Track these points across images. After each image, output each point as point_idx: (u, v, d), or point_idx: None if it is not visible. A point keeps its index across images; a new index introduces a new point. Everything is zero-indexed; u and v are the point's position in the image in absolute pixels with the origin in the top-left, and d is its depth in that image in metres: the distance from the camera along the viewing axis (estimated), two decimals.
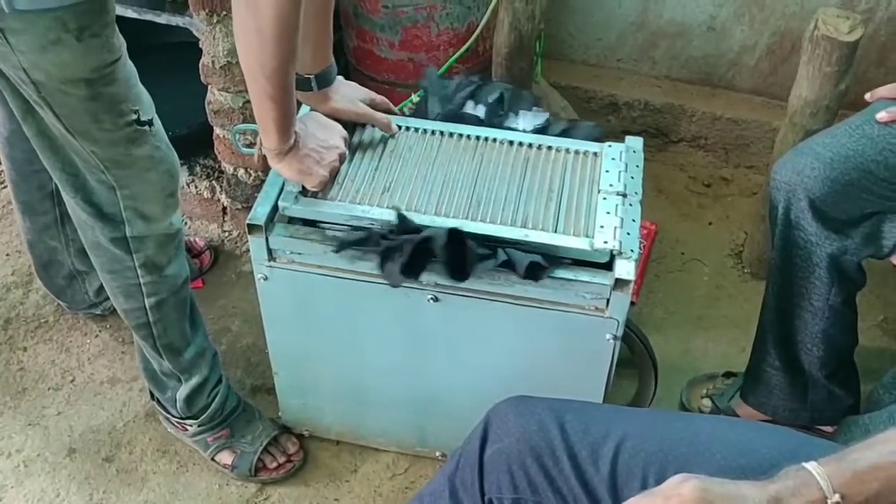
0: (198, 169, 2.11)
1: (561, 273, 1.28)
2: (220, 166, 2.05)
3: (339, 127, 1.39)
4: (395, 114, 1.49)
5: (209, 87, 1.83)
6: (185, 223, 2.13)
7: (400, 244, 1.26)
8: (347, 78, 1.48)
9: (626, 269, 1.25)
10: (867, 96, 1.45)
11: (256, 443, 1.64)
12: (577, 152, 1.43)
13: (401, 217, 1.27)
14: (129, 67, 1.25)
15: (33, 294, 1.97)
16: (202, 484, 1.66)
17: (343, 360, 1.51)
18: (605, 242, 1.27)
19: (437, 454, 1.66)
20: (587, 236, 1.28)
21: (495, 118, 1.48)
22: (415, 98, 1.57)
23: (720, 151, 2.31)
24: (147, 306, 1.46)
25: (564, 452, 0.99)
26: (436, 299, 1.34)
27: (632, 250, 1.27)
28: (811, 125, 1.72)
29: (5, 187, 1.77)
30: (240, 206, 2.05)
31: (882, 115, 1.38)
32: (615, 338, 1.32)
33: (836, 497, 0.77)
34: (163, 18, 1.78)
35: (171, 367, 1.55)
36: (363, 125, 1.46)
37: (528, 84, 1.90)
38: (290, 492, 1.64)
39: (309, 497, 1.64)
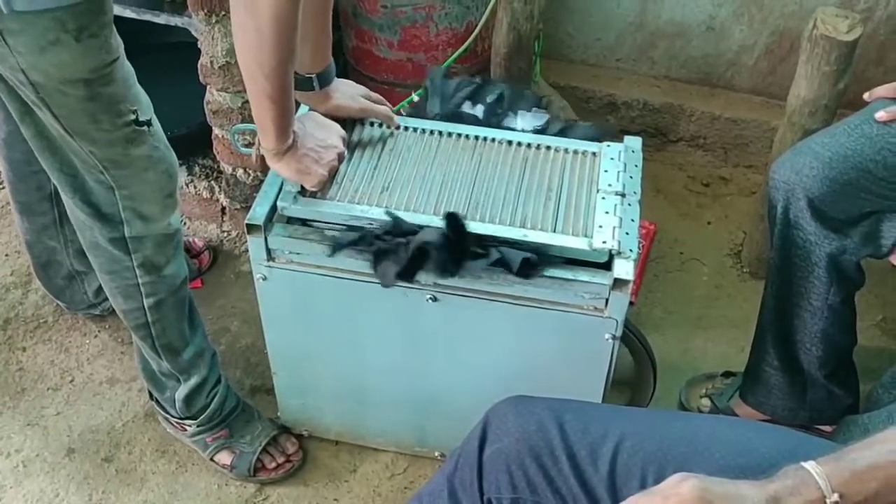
0: (197, 169, 2.11)
1: (560, 273, 1.28)
2: (218, 166, 2.05)
3: (337, 126, 1.39)
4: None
5: (208, 87, 1.83)
6: (184, 223, 2.13)
7: (395, 247, 1.26)
8: (346, 78, 1.48)
9: (624, 268, 1.25)
10: (866, 96, 1.45)
11: (255, 443, 1.64)
12: (575, 152, 1.43)
13: (395, 219, 1.27)
14: (126, 68, 1.25)
15: (32, 294, 1.97)
16: (201, 484, 1.66)
17: (342, 360, 1.51)
18: (604, 242, 1.27)
19: (436, 454, 1.66)
20: (586, 236, 1.28)
21: (493, 118, 1.48)
22: (415, 97, 1.57)
23: (719, 151, 2.31)
24: (146, 306, 1.46)
25: (563, 452, 0.99)
26: (435, 299, 1.34)
27: (630, 250, 1.27)
28: (810, 125, 1.72)
29: (3, 188, 1.77)
30: (239, 206, 2.05)
31: (881, 115, 1.38)
32: (614, 337, 1.32)
33: (835, 496, 0.77)
34: (161, 18, 1.78)
35: (170, 368, 1.55)
36: (362, 125, 1.46)
37: (527, 84, 1.90)
38: (289, 492, 1.64)
39: (308, 497, 1.64)
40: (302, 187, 1.33)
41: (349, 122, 1.46)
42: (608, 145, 1.43)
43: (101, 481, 1.66)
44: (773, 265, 1.54)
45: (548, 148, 1.43)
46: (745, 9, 2.14)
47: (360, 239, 1.28)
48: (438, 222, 1.26)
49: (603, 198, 1.34)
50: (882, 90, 1.44)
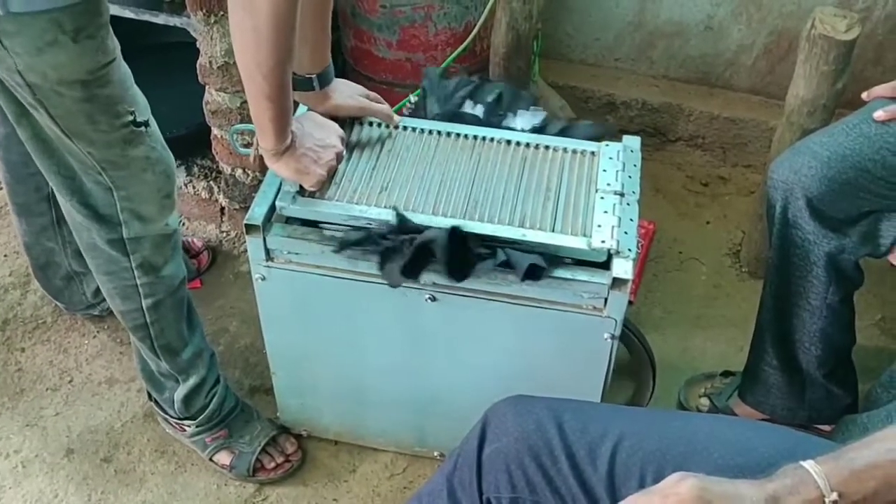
0: (195, 169, 2.11)
1: (559, 272, 1.28)
2: (217, 166, 2.05)
3: (336, 126, 1.39)
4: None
5: (207, 87, 1.83)
6: (183, 223, 2.13)
7: (400, 245, 1.26)
8: (344, 78, 1.48)
9: (623, 268, 1.25)
10: (864, 95, 1.46)
11: (255, 443, 1.64)
12: (574, 152, 1.43)
13: (400, 217, 1.27)
14: (123, 69, 1.25)
15: (31, 295, 1.97)
16: (200, 484, 1.66)
17: (341, 360, 1.51)
18: (603, 242, 1.27)
19: (436, 454, 1.66)
20: (585, 236, 1.28)
21: (494, 118, 1.48)
22: (413, 98, 1.57)
23: (718, 151, 2.31)
24: (144, 307, 1.46)
25: (562, 452, 0.99)
26: (434, 299, 1.34)
27: (629, 249, 1.27)
28: (808, 124, 1.72)
29: (1, 189, 1.77)
30: (237, 207, 2.05)
31: (879, 114, 1.38)
32: (613, 337, 1.32)
33: (834, 496, 0.77)
34: (160, 19, 1.78)
35: (169, 368, 1.55)
36: (360, 125, 1.46)
37: (525, 84, 1.90)
38: (288, 492, 1.64)
39: (307, 497, 1.64)
40: (301, 187, 1.33)
41: (348, 122, 1.46)
42: (607, 145, 1.43)
43: (101, 482, 1.66)
44: (771, 264, 1.54)
45: (546, 147, 1.43)
46: (743, 8, 2.14)
47: (366, 239, 1.28)
48: (437, 222, 1.26)
49: (602, 197, 1.34)
50: (880, 90, 1.44)
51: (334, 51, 1.39)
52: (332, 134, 1.37)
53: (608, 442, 0.99)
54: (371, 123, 1.47)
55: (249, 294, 1.73)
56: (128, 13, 1.76)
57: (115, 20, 1.22)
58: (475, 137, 1.45)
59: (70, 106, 1.19)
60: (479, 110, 1.49)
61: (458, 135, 1.45)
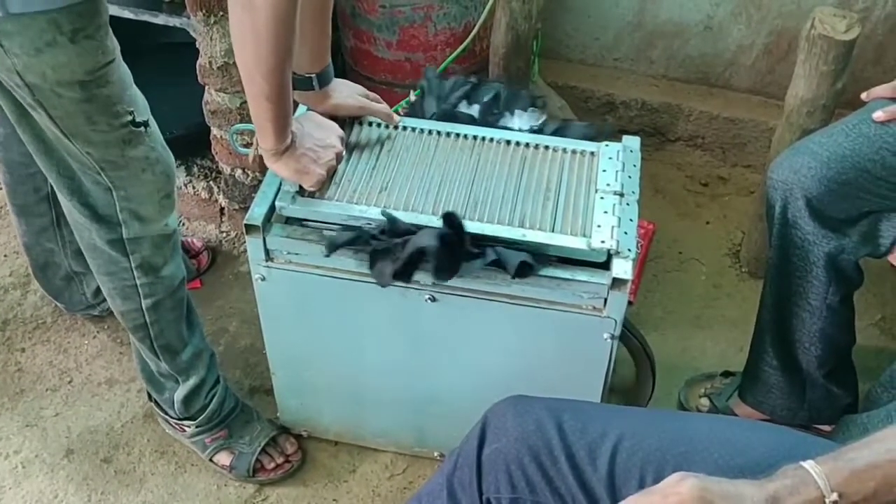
0: (195, 169, 2.11)
1: (558, 272, 1.28)
2: (217, 167, 2.05)
3: (335, 126, 1.39)
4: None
5: (206, 87, 1.83)
6: (183, 224, 2.13)
7: (392, 247, 1.25)
8: (344, 78, 1.48)
9: (623, 268, 1.25)
10: (863, 96, 1.46)
11: (255, 443, 1.64)
12: (574, 152, 1.43)
13: (391, 219, 1.27)
14: (123, 69, 1.25)
15: (31, 295, 1.97)
16: (200, 485, 1.66)
17: (341, 360, 1.51)
18: (603, 242, 1.27)
19: (436, 454, 1.66)
20: (584, 236, 1.28)
21: (490, 117, 1.48)
22: (412, 97, 1.57)
23: (717, 151, 2.31)
24: (144, 307, 1.46)
25: (562, 452, 0.99)
26: (433, 299, 1.34)
27: (629, 249, 1.27)
28: (808, 124, 1.72)
29: (0, 190, 1.77)
30: (237, 207, 2.05)
31: (878, 115, 1.38)
32: (613, 337, 1.32)
33: (834, 496, 0.77)
34: (160, 19, 1.78)
35: (169, 369, 1.55)
36: (360, 125, 1.46)
37: (525, 84, 1.90)
38: (288, 492, 1.64)
39: (307, 497, 1.64)
40: (300, 187, 1.33)
41: (347, 123, 1.46)
42: (607, 145, 1.43)
43: (101, 482, 1.66)
44: (771, 265, 1.54)
45: (546, 147, 1.43)
46: (742, 8, 2.14)
47: (357, 238, 1.28)
48: (437, 222, 1.26)
49: (601, 197, 1.34)
50: (880, 90, 1.44)
51: (334, 51, 1.39)
52: (331, 134, 1.37)
53: (608, 442, 0.99)
54: (371, 124, 1.47)
55: (249, 294, 1.73)
56: (127, 13, 1.76)
57: (115, 20, 1.22)
58: (475, 137, 1.45)
59: (69, 106, 1.19)
60: (474, 110, 1.49)
61: (457, 135, 1.45)
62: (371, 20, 1.96)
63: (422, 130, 1.46)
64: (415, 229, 1.26)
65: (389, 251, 1.26)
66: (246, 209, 1.35)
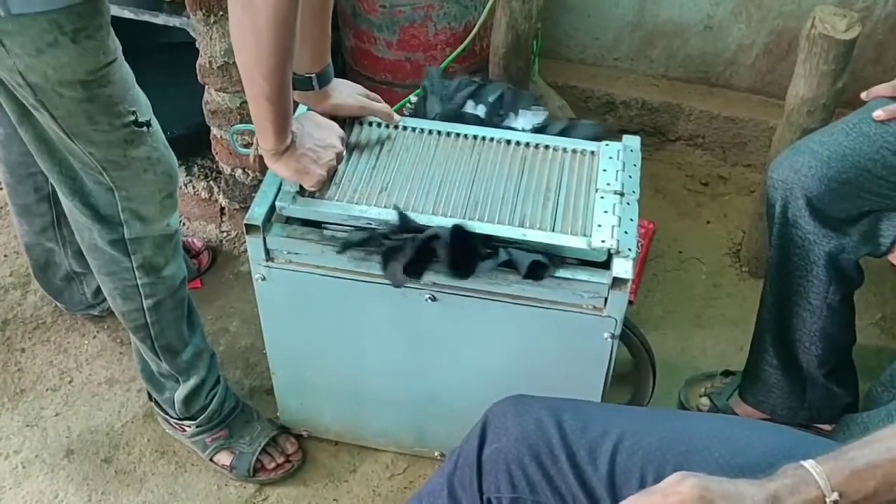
0: (195, 169, 2.11)
1: (559, 272, 1.28)
2: (217, 167, 2.05)
3: (336, 126, 1.39)
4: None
5: (206, 87, 1.83)
6: (183, 223, 2.13)
7: (402, 243, 1.25)
8: (344, 78, 1.48)
9: (623, 267, 1.25)
10: (863, 95, 1.46)
11: (255, 443, 1.64)
12: (574, 151, 1.43)
13: (402, 216, 1.27)
14: (125, 69, 1.25)
15: (31, 295, 1.97)
16: (201, 485, 1.66)
17: (341, 360, 1.51)
18: (603, 241, 1.27)
19: (436, 454, 1.66)
20: (585, 235, 1.28)
21: (495, 118, 1.48)
22: (413, 98, 1.57)
23: (718, 150, 2.31)
24: (145, 308, 1.46)
25: (563, 451, 0.99)
26: (434, 299, 1.34)
27: (629, 249, 1.27)
28: (808, 124, 1.72)
29: (1, 190, 1.77)
30: (237, 207, 2.05)
31: (879, 114, 1.38)
32: (613, 337, 1.32)
33: (835, 495, 0.77)
34: (160, 19, 1.78)
35: (169, 369, 1.55)
36: (360, 125, 1.46)
37: (525, 83, 1.90)
38: (288, 492, 1.64)
39: (308, 497, 1.64)
40: (300, 187, 1.33)
41: (348, 123, 1.46)
42: (607, 144, 1.43)
43: (101, 482, 1.66)
44: (771, 264, 1.54)
45: (546, 147, 1.43)
46: (743, 8, 2.14)
47: (369, 239, 1.28)
48: (438, 222, 1.26)
49: (602, 197, 1.34)
50: (880, 89, 1.44)
51: (334, 51, 1.39)
52: (332, 134, 1.37)
53: (608, 441, 0.99)
54: (371, 124, 1.47)
55: (249, 294, 1.73)
56: (127, 13, 1.76)
57: (115, 20, 1.22)
58: (475, 137, 1.44)
59: (70, 106, 1.19)
60: (480, 110, 1.49)
61: (457, 135, 1.45)
62: (371, 20, 1.97)
63: (422, 130, 1.46)
64: (425, 227, 1.25)
65: (400, 248, 1.26)
66: (246, 209, 1.35)
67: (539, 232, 1.28)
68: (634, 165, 1.41)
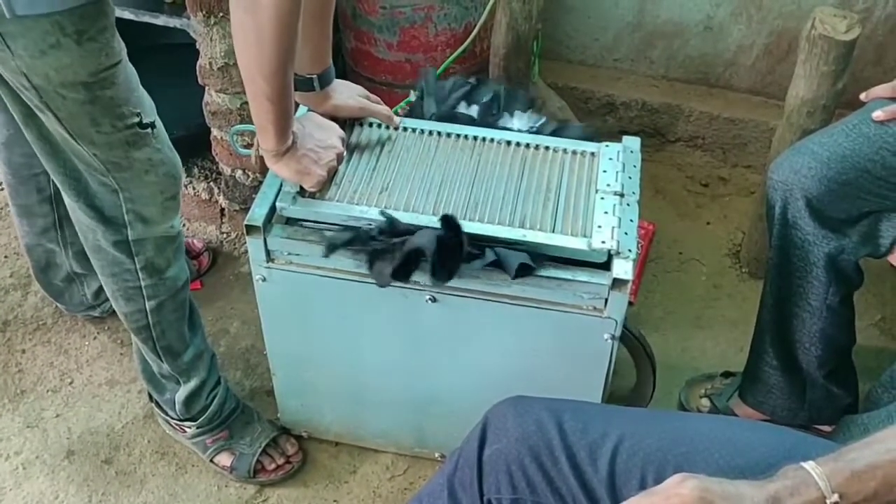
0: (195, 170, 2.11)
1: (559, 273, 1.28)
2: (217, 168, 2.05)
3: (336, 127, 1.39)
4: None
5: (207, 88, 1.83)
6: (184, 224, 2.13)
7: (391, 247, 1.26)
8: (345, 79, 1.48)
9: (623, 268, 1.25)
10: (862, 96, 1.46)
11: (255, 444, 1.64)
12: (574, 152, 1.43)
13: (389, 219, 1.27)
14: (129, 70, 1.25)
15: (31, 296, 1.97)
16: (201, 485, 1.66)
17: (342, 360, 1.51)
18: (603, 242, 1.27)
19: (436, 455, 1.66)
20: (585, 236, 1.28)
21: (489, 118, 1.49)
22: (412, 97, 1.57)
23: (718, 151, 2.31)
24: (147, 309, 1.46)
25: (563, 452, 0.99)
26: (434, 300, 1.34)
27: (629, 250, 1.27)
28: (808, 124, 1.72)
29: (2, 190, 1.77)
30: (238, 208, 2.05)
31: (878, 114, 1.38)
32: (613, 338, 1.32)
33: (835, 497, 0.77)
34: (160, 20, 1.78)
35: (170, 370, 1.55)
36: (360, 126, 1.46)
37: (525, 84, 1.90)
38: (289, 493, 1.64)
39: (308, 498, 1.64)
40: (301, 188, 1.33)
41: (348, 124, 1.46)
42: (607, 145, 1.43)
43: (101, 483, 1.66)
44: (771, 265, 1.54)
45: (546, 148, 1.43)
46: (743, 8, 2.15)
47: (355, 239, 1.28)
48: (436, 223, 1.26)
49: (602, 198, 1.34)
50: (879, 90, 1.44)
51: (334, 52, 1.39)
52: (332, 135, 1.37)
53: (609, 442, 0.99)
54: (371, 124, 1.47)
55: (250, 295, 1.73)
56: (127, 14, 1.76)
57: (116, 21, 1.22)
58: (475, 138, 1.45)
59: (73, 108, 1.19)
60: (473, 111, 1.49)
61: (458, 136, 1.45)
62: (372, 21, 1.97)
63: (422, 131, 1.46)
64: (413, 229, 1.26)
65: (388, 251, 1.26)
66: (246, 210, 1.35)
67: (539, 233, 1.28)
68: (634, 166, 1.41)
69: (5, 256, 2.07)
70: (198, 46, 1.75)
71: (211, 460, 1.66)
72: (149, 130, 1.29)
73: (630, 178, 1.39)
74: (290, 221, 1.35)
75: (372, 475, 1.67)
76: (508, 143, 1.44)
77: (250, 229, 1.32)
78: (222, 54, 1.73)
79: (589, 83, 2.33)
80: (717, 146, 2.30)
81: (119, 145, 1.27)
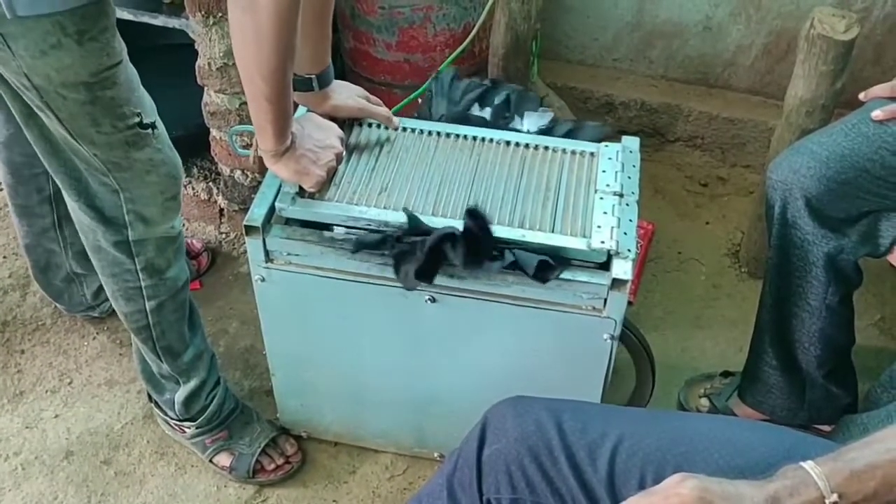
0: (195, 171, 2.11)
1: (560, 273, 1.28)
2: (216, 168, 2.05)
3: (335, 127, 1.39)
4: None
5: (206, 88, 1.83)
6: (183, 225, 2.13)
7: (413, 247, 1.25)
8: (343, 79, 1.48)
9: (623, 268, 1.25)
10: (861, 96, 1.46)
11: (255, 444, 1.64)
12: (573, 152, 1.43)
13: (411, 218, 1.27)
14: (130, 71, 1.25)
15: (31, 296, 1.97)
16: (200, 486, 1.66)
17: (341, 361, 1.51)
18: (603, 242, 1.27)
19: (436, 455, 1.66)
20: (584, 236, 1.28)
21: (501, 120, 1.48)
22: (418, 97, 1.57)
23: (717, 151, 2.31)
24: (147, 309, 1.46)
25: (562, 452, 0.99)
26: (433, 300, 1.34)
27: (629, 250, 1.27)
28: (807, 124, 1.72)
29: (1, 190, 1.77)
30: (237, 208, 2.05)
31: (877, 114, 1.38)
32: (612, 338, 1.32)
33: (834, 497, 0.77)
34: (159, 20, 1.78)
35: (170, 370, 1.55)
36: (360, 126, 1.46)
37: (524, 84, 1.91)
38: (288, 493, 1.64)
39: (307, 498, 1.64)
40: (300, 188, 1.33)
41: (347, 124, 1.46)
42: (606, 145, 1.43)
43: (100, 483, 1.66)
44: (771, 265, 1.54)
45: (546, 148, 1.43)
46: (741, 8, 2.15)
47: (382, 242, 1.27)
48: (438, 223, 1.26)
49: (601, 198, 1.34)
50: (878, 90, 1.44)
51: (333, 52, 1.39)
52: (331, 135, 1.37)
53: (608, 442, 0.99)
54: (370, 125, 1.47)
55: (249, 295, 1.73)
56: (126, 14, 1.76)
57: (116, 22, 1.22)
58: (475, 138, 1.45)
59: (73, 108, 1.19)
60: (486, 113, 1.49)
61: (457, 136, 1.45)
62: (370, 21, 1.97)
63: (421, 131, 1.46)
64: (434, 229, 1.25)
65: (411, 252, 1.25)
66: (245, 210, 1.35)
67: (539, 233, 1.28)
68: (633, 166, 1.41)
69: (4, 257, 2.06)
70: (196, 47, 1.75)
71: (210, 460, 1.66)
72: (149, 130, 1.29)
73: (629, 178, 1.39)
74: (289, 222, 1.35)
75: (371, 475, 1.67)
76: (508, 143, 1.44)
77: (249, 230, 1.32)
78: (221, 55, 1.73)
79: (588, 83, 2.33)
80: (717, 146, 2.31)
81: (120, 145, 1.27)
